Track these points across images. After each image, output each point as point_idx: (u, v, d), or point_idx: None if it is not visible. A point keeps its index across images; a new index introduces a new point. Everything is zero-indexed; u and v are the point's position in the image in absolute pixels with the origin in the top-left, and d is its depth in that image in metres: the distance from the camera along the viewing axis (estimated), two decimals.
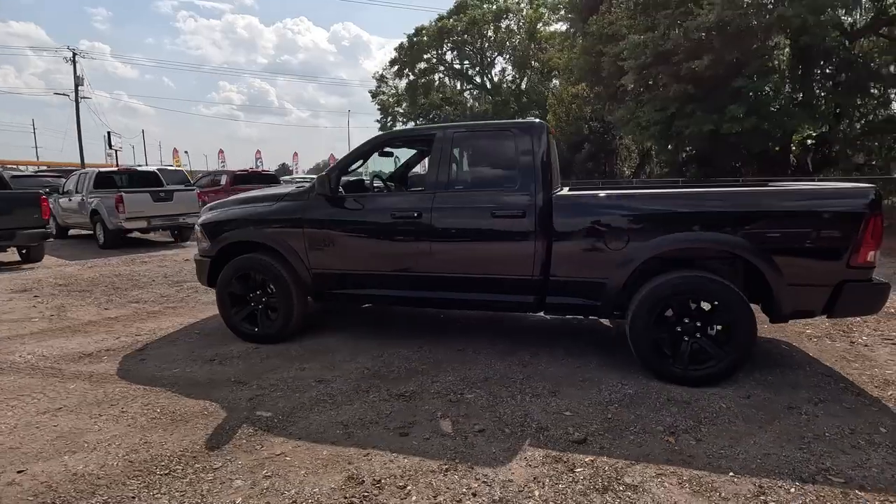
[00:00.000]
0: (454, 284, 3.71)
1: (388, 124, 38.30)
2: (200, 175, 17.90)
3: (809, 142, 17.97)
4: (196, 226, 4.43)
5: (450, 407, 3.05)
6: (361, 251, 3.88)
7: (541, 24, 33.33)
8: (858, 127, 16.55)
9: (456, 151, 3.73)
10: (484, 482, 2.30)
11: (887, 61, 15.98)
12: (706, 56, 14.00)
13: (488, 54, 35.63)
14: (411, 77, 35.62)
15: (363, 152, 4.06)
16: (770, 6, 14.11)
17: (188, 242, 11.02)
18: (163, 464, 2.48)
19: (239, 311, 4.23)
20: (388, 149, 4.40)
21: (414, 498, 2.19)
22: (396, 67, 35.53)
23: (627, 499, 2.17)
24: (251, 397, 3.21)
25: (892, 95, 15.76)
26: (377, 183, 4.84)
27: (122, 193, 9.57)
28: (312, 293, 4.13)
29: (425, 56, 35.00)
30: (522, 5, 34.29)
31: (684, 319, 3.29)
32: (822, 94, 16.17)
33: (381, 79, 38.20)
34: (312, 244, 3.94)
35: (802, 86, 16.06)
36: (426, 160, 4.80)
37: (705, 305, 3.30)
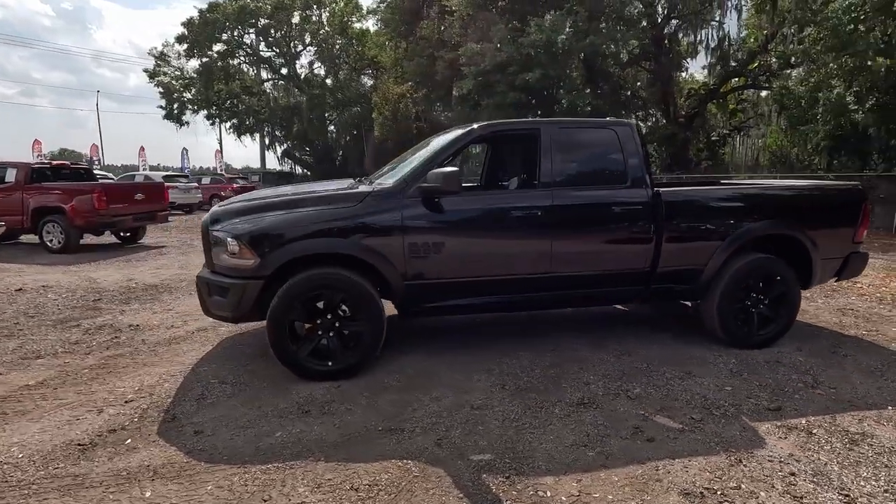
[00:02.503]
0: (570, 282, 3.65)
1: (175, 111, 32.70)
2: None
3: None
4: (228, 238, 3.24)
5: (639, 405, 3.05)
6: (476, 255, 3.47)
7: (347, 19, 32.79)
8: None
9: (562, 147, 3.63)
10: (779, 461, 2.45)
11: (641, 86, 21.01)
12: (537, 69, 16.08)
13: (295, 44, 33.50)
14: (205, 59, 31.02)
15: (461, 146, 3.60)
16: (573, 34, 16.90)
17: None
18: None
19: (304, 345, 3.31)
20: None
21: (764, 494, 2.21)
22: (185, 46, 30.43)
23: (874, 443, 2.61)
24: (436, 443, 2.63)
25: (651, 112, 20.78)
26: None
27: None
28: (402, 309, 3.51)
29: (223, 37, 30.91)
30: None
31: (752, 294, 3.95)
32: (605, 108, 20.19)
33: (162, 57, 32.25)
34: (414, 250, 3.34)
35: (593, 100, 19.76)
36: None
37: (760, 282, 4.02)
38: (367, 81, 33.55)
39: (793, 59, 16.02)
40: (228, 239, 3.25)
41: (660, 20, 19.13)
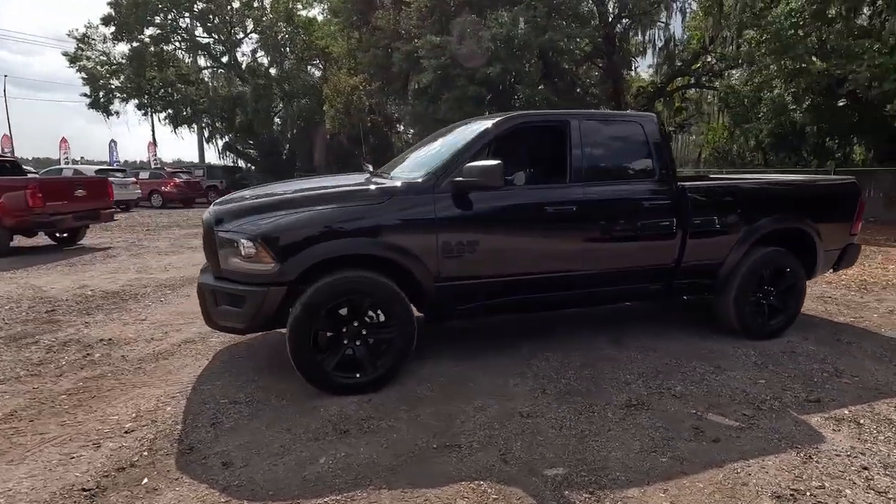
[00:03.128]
0: (600, 279, 3.55)
1: (102, 100, 30.03)
2: None
3: None
4: (242, 239, 2.85)
5: (687, 403, 2.99)
6: (511, 253, 3.28)
7: (293, 6, 31.35)
8: None
9: (591, 140, 3.51)
10: (846, 455, 2.45)
11: (593, 83, 21.55)
12: (497, 64, 16.05)
13: (235, 30, 31.64)
14: (135, 44, 28.60)
15: (491, 138, 3.38)
16: (531, 29, 17.01)
17: None
18: None
19: (329, 356, 3.00)
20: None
21: (849, 491, 2.18)
22: (112, 28, 27.87)
23: None
24: (501, 458, 2.43)
25: (603, 108, 21.39)
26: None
27: None
28: (431, 313, 3.28)
29: (156, 20, 28.62)
30: None
31: (764, 286, 4.03)
32: (561, 103, 20.54)
33: (84, 39, 29.42)
34: (448, 249, 3.10)
35: (548, 95, 20.02)
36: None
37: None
38: (316, 72, 32.34)
39: (733, 60, 17.02)
40: (242, 240, 2.86)
41: (611, 19, 19.69)
